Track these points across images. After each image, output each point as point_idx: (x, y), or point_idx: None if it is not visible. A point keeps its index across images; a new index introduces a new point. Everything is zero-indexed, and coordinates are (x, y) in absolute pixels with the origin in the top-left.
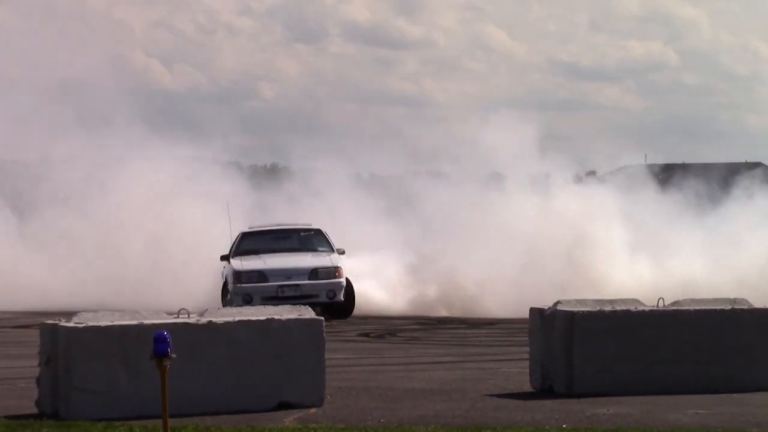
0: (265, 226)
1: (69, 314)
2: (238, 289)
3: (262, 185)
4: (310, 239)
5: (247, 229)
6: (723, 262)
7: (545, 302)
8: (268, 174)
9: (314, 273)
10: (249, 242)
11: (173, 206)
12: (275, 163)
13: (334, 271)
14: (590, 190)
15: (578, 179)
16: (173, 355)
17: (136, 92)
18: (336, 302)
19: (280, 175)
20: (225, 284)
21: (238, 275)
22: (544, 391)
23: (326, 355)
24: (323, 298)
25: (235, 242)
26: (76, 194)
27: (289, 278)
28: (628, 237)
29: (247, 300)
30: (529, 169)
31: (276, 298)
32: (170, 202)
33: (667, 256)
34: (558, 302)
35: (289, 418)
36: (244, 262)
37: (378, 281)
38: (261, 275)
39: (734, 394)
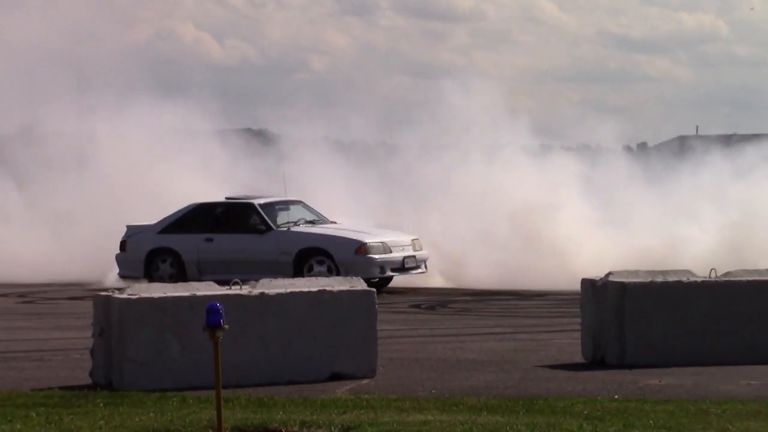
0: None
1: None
2: (370, 260)
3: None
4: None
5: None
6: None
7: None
8: (258, 138)
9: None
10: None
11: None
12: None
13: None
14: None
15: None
16: (226, 327)
17: (186, 64)
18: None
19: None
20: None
21: (369, 247)
22: (595, 362)
23: (378, 327)
24: (423, 269)
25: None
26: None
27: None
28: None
29: (381, 272)
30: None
31: (401, 269)
32: (156, 170)
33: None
34: (610, 273)
35: (342, 389)
36: (363, 235)
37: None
38: (386, 247)
39: None
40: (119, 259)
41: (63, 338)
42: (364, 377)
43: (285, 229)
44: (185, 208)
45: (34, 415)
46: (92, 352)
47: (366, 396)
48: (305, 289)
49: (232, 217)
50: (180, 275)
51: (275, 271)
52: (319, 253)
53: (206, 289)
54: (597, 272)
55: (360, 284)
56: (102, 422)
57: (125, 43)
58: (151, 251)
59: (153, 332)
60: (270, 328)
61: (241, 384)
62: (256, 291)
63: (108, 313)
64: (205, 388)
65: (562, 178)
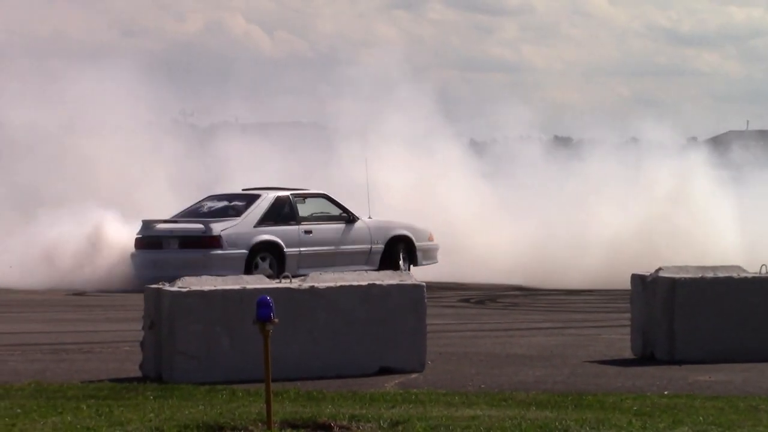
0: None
1: None
2: (435, 247)
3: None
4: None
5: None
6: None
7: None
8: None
9: None
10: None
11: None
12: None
13: None
14: None
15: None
16: (276, 320)
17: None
18: None
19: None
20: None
21: (433, 235)
22: (645, 357)
23: (427, 321)
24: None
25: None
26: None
27: None
28: None
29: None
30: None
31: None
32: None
33: None
34: (660, 269)
35: (391, 383)
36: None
37: None
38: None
39: None
40: (211, 258)
41: (113, 330)
42: (413, 371)
43: (369, 219)
44: (261, 198)
45: (85, 407)
46: (142, 344)
47: (415, 390)
48: (355, 283)
49: (307, 209)
50: (279, 271)
51: (365, 261)
52: (401, 241)
53: (256, 282)
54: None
55: (409, 278)
56: (152, 415)
57: (176, 35)
58: (254, 246)
59: (203, 325)
60: (319, 321)
61: (290, 377)
62: (306, 284)
63: (158, 305)
64: (254, 381)
65: None
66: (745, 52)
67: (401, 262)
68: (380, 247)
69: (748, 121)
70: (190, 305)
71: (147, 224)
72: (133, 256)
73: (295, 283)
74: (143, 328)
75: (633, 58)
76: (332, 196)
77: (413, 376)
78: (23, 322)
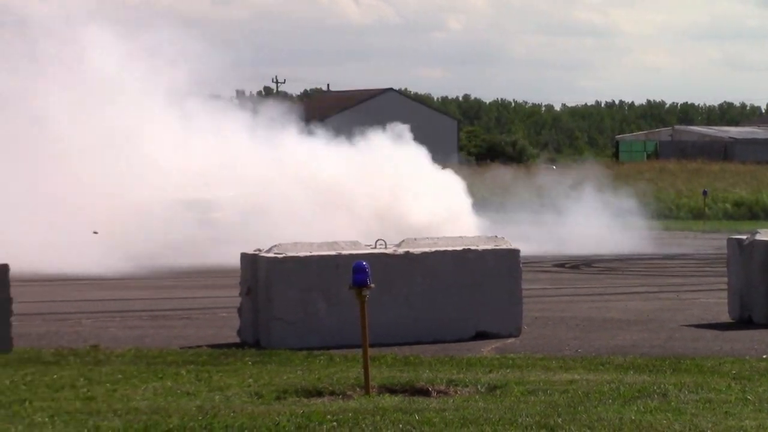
0: None
1: None
2: None
3: None
4: None
5: None
6: None
7: None
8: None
9: None
10: None
11: None
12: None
13: None
14: None
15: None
16: (372, 285)
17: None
18: None
19: None
20: None
21: None
22: (742, 321)
23: (523, 286)
24: None
25: None
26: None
27: None
28: None
29: None
30: None
31: None
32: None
33: None
34: (756, 232)
35: (487, 347)
36: None
37: None
38: None
39: None
40: None
41: (210, 297)
42: (510, 336)
43: None
44: None
45: (184, 373)
46: (240, 310)
47: (511, 355)
48: (450, 248)
49: None
50: None
51: None
52: None
53: (351, 248)
54: None
55: (505, 243)
56: (251, 380)
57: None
58: None
59: (299, 291)
60: (415, 287)
61: (386, 342)
62: (401, 250)
63: (255, 272)
64: (350, 346)
65: None
66: None
67: None
68: None
69: None
70: (287, 271)
71: None
72: None
73: (390, 249)
74: (241, 295)
75: (723, 20)
76: None
77: (510, 340)
78: (122, 289)
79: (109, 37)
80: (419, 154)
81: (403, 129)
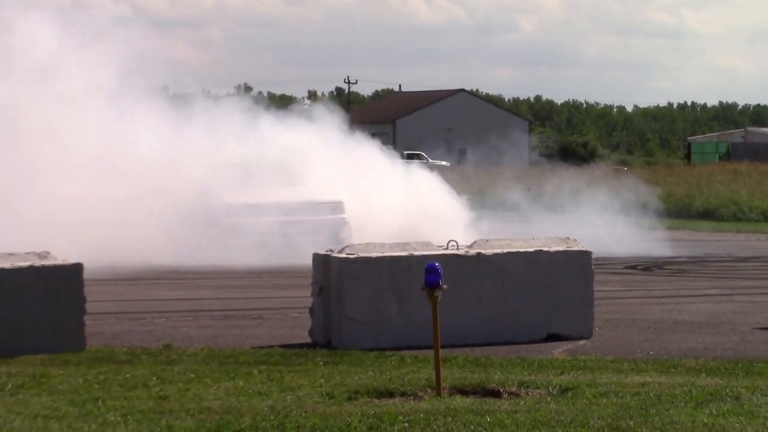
0: None
1: None
2: None
3: None
4: None
5: None
6: None
7: None
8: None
9: None
10: None
11: None
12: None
13: None
14: None
15: None
16: (444, 286)
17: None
18: None
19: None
20: None
21: None
22: None
23: (594, 287)
24: None
25: None
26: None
27: None
28: None
29: None
30: None
31: None
32: None
33: None
34: None
35: (559, 349)
36: None
37: None
38: None
39: None
40: None
41: (281, 297)
42: (581, 338)
43: None
44: None
45: (256, 373)
46: (311, 310)
47: (583, 357)
48: (522, 250)
49: None
50: None
51: None
52: None
53: (423, 248)
54: None
55: (576, 245)
56: (322, 380)
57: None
58: None
59: (371, 291)
60: (487, 288)
61: (457, 344)
62: (473, 251)
63: (327, 272)
64: (422, 347)
65: None
66: None
67: None
68: None
69: None
70: (358, 271)
71: None
72: None
73: (462, 250)
74: (312, 295)
75: None
76: None
77: (581, 342)
78: (194, 288)
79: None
80: (371, 150)
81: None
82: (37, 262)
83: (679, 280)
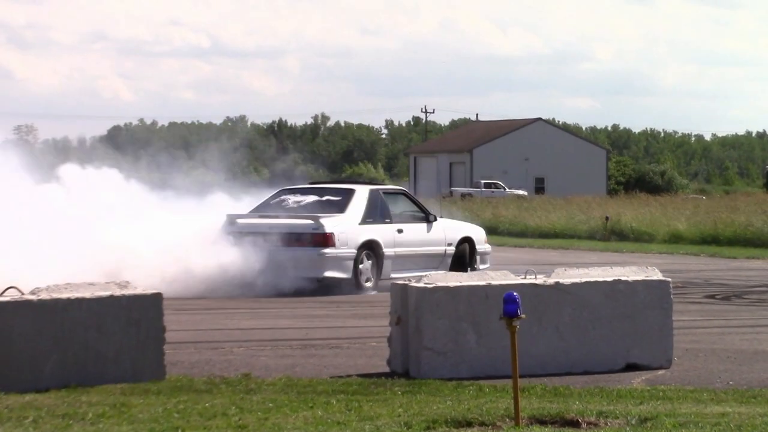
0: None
1: None
2: (488, 250)
3: None
4: None
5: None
6: None
7: None
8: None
9: None
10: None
11: None
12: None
13: None
14: None
15: None
16: (523, 316)
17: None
18: None
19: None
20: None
21: (486, 239)
22: None
23: (673, 317)
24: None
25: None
26: None
27: None
28: None
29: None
30: None
31: None
32: None
33: None
34: None
35: (638, 379)
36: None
37: None
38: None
39: None
40: (322, 256)
41: (360, 326)
42: (660, 368)
43: (437, 219)
44: (357, 192)
45: (334, 402)
46: (389, 340)
47: (662, 387)
48: (600, 279)
49: (391, 206)
50: (378, 272)
51: (440, 264)
52: (466, 242)
53: (501, 278)
54: None
55: (655, 274)
56: (400, 410)
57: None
58: (360, 245)
59: (449, 321)
60: (565, 317)
61: (536, 374)
62: (551, 280)
63: (405, 302)
64: (500, 377)
65: None
66: None
67: (472, 265)
68: (452, 249)
69: None
70: (437, 301)
71: (231, 219)
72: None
73: (540, 279)
74: (390, 324)
75: None
76: (410, 194)
77: (660, 372)
78: (273, 318)
79: None
80: None
81: None
82: (118, 292)
83: (760, 310)
